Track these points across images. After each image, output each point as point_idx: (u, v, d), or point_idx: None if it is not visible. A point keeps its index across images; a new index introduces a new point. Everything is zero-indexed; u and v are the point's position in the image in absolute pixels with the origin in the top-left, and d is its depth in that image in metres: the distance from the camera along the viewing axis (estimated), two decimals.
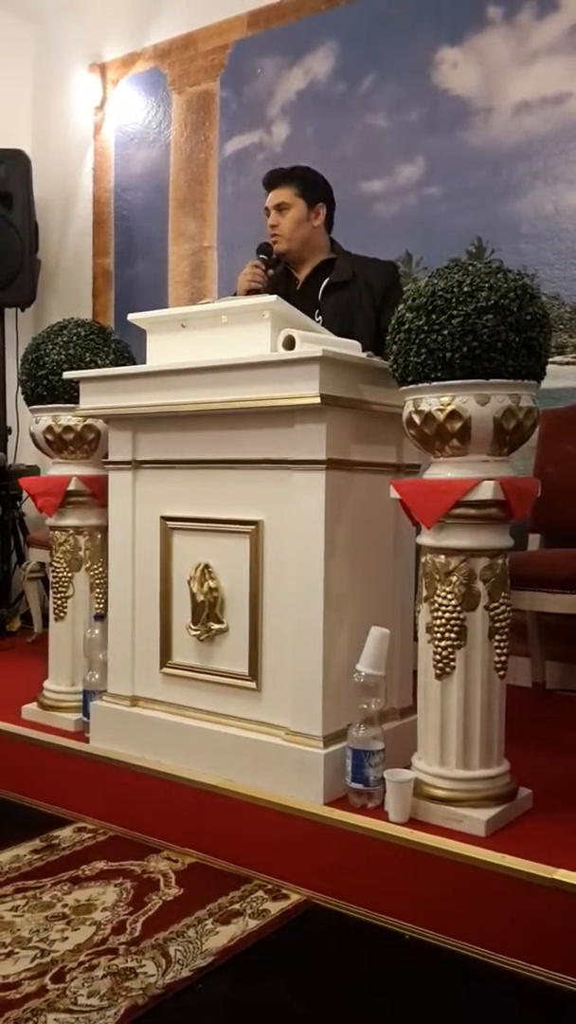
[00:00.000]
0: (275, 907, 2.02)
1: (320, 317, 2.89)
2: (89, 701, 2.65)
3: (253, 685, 2.31)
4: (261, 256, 2.96)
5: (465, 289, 1.93)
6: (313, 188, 2.98)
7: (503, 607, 2.06)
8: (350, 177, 3.87)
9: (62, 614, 2.87)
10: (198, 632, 2.40)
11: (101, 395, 2.56)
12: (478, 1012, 1.69)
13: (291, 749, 2.20)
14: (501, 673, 2.07)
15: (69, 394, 2.74)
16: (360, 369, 2.26)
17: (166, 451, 2.48)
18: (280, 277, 3.06)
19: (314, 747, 2.17)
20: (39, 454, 3.13)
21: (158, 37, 4.64)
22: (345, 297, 2.91)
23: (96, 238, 4.96)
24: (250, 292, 2.90)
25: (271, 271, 3.00)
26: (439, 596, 2.04)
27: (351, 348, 2.33)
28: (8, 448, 4.75)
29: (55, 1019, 1.62)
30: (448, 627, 2.03)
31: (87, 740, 2.62)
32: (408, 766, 2.13)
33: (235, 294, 3.03)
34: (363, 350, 2.37)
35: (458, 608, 2.02)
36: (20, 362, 2.94)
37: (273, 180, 3.00)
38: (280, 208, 2.96)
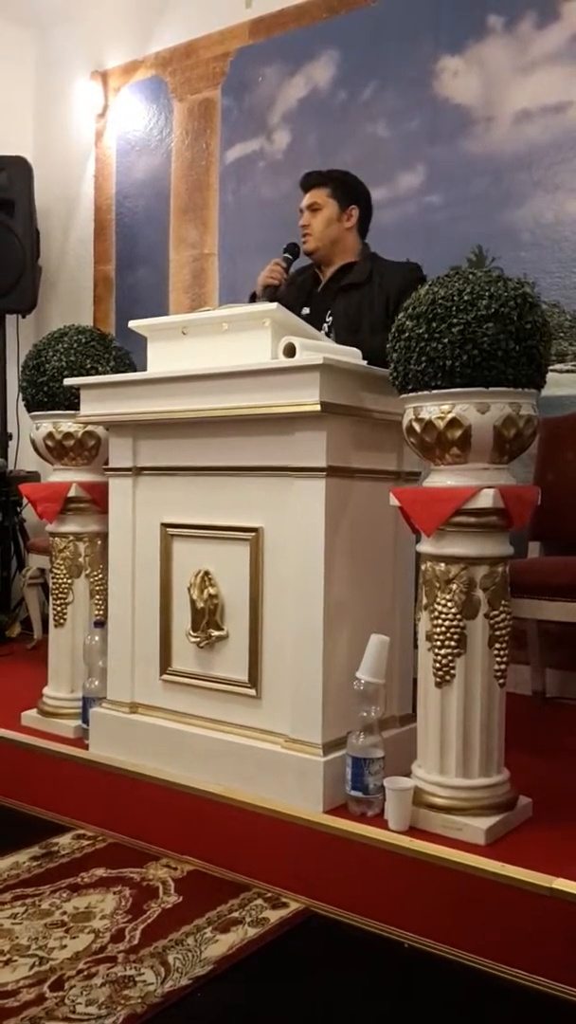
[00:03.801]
0: (274, 915, 2.01)
1: (331, 318, 2.90)
2: (89, 708, 2.64)
3: (253, 692, 2.31)
4: (285, 255, 3.00)
5: (465, 297, 1.93)
6: (347, 190, 3.00)
7: (503, 615, 2.06)
8: None
9: (62, 620, 2.87)
10: (198, 639, 2.39)
11: (101, 402, 2.56)
12: (477, 1021, 1.69)
13: (291, 757, 2.19)
14: (501, 681, 2.07)
15: (70, 401, 2.74)
16: (360, 377, 2.26)
17: (166, 458, 2.48)
18: (306, 279, 3.08)
19: (314, 755, 2.17)
20: (39, 460, 3.14)
21: (160, 45, 4.65)
22: (357, 299, 2.92)
23: (97, 245, 4.98)
24: (267, 287, 2.94)
25: (292, 270, 3.02)
26: (439, 604, 2.04)
27: (352, 356, 2.33)
28: (8, 454, 4.75)
29: None
30: (448, 635, 2.03)
31: (86, 747, 2.61)
32: (408, 774, 2.13)
33: (255, 292, 3.04)
34: (364, 355, 2.37)
35: (458, 616, 2.02)
36: (21, 368, 2.94)
37: (309, 182, 3.03)
38: (312, 208, 2.99)
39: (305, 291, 3.04)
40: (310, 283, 3.07)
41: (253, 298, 3.04)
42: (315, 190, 3.00)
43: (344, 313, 2.90)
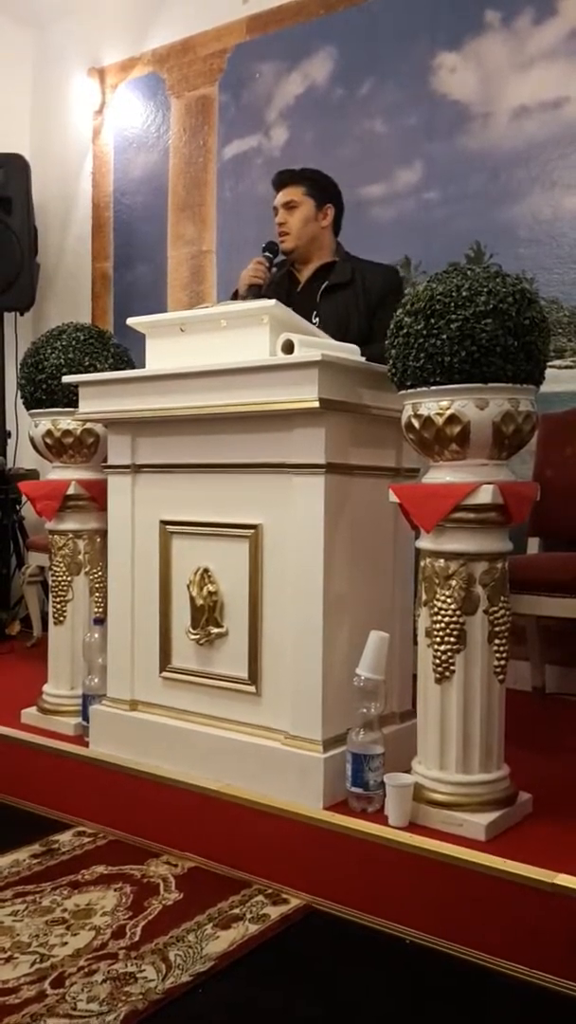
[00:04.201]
0: (275, 911, 2.02)
1: (317, 319, 2.89)
2: (89, 705, 2.65)
3: (253, 689, 2.31)
4: (266, 254, 2.98)
5: (464, 293, 1.93)
6: (322, 189, 2.99)
7: (502, 611, 2.06)
8: (349, 181, 3.83)
9: (61, 618, 2.87)
10: (197, 636, 2.40)
11: (100, 399, 2.56)
12: (478, 1017, 1.69)
13: (291, 753, 2.19)
14: (501, 677, 2.07)
15: (68, 398, 2.74)
16: (359, 373, 2.26)
17: (165, 455, 2.48)
18: (283, 278, 3.06)
19: (314, 751, 2.17)
20: (38, 458, 3.14)
21: (157, 42, 4.65)
22: (343, 299, 2.91)
23: (95, 242, 4.97)
24: (251, 287, 2.92)
25: (274, 269, 3.01)
26: (438, 600, 2.04)
27: (350, 352, 2.33)
28: (8, 452, 4.75)
29: None
30: (448, 631, 2.03)
31: (87, 744, 2.61)
32: (408, 770, 2.13)
33: (236, 291, 3.03)
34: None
35: (457, 612, 2.03)
36: (19, 366, 2.94)
37: (283, 179, 3.02)
38: (289, 207, 2.96)
39: (283, 290, 3.01)
40: (287, 282, 3.04)
41: (235, 298, 3.02)
42: (289, 188, 2.97)
43: (334, 314, 2.88)
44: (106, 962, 1.81)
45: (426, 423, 2.01)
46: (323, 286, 2.94)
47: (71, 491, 2.81)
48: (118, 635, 2.59)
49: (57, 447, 2.84)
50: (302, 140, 4.15)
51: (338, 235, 3.06)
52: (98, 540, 2.85)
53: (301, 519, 2.20)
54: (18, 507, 4.58)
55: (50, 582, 2.92)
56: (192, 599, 2.40)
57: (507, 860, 1.85)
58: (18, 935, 1.92)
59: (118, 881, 2.16)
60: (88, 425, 2.78)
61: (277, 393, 2.17)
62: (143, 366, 2.55)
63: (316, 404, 2.10)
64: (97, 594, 2.86)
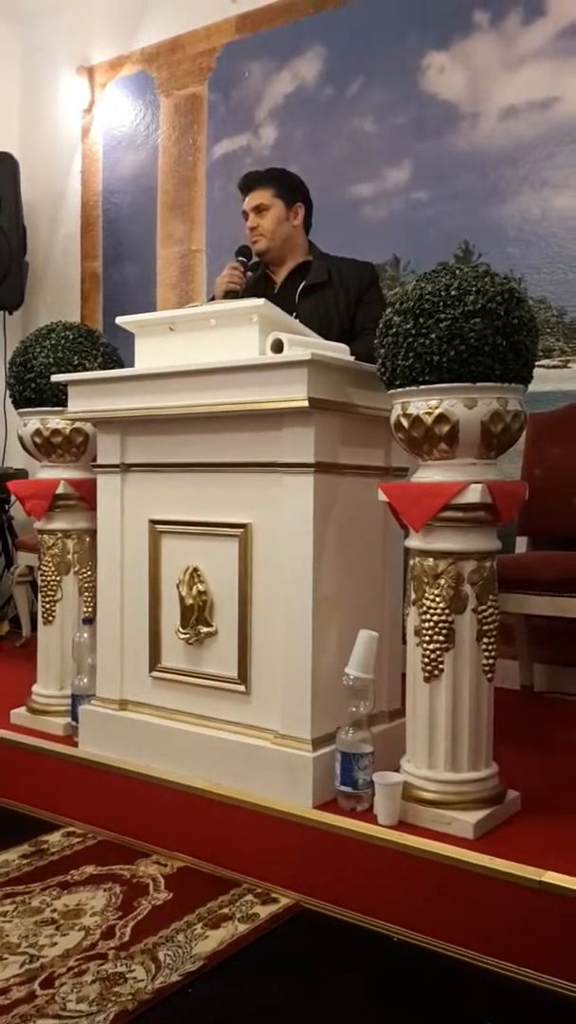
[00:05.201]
0: (264, 911, 2.02)
1: (297, 320, 2.89)
2: (78, 705, 2.64)
3: (242, 688, 2.31)
4: (240, 258, 2.96)
5: (452, 293, 1.93)
6: (290, 188, 2.98)
7: (491, 610, 2.07)
8: (338, 181, 3.89)
9: (50, 618, 2.86)
10: (187, 636, 2.39)
11: (89, 398, 2.56)
12: (467, 1015, 1.70)
13: (280, 752, 2.20)
14: (489, 675, 2.08)
15: (57, 397, 2.74)
16: (348, 372, 2.26)
17: (155, 454, 2.48)
18: (258, 281, 3.04)
19: (303, 750, 2.17)
20: (27, 457, 3.13)
21: (146, 40, 4.64)
22: (322, 299, 2.90)
23: (84, 241, 4.96)
24: (228, 293, 2.90)
25: (249, 273, 2.99)
26: (427, 599, 2.05)
27: (339, 351, 2.33)
28: None
29: None
30: (436, 630, 2.04)
31: (76, 744, 2.61)
32: (397, 769, 2.13)
33: (213, 297, 3.02)
34: None
35: (446, 611, 2.03)
36: (8, 365, 2.93)
37: (249, 183, 3.00)
38: (259, 210, 2.95)
39: (260, 293, 2.99)
40: (263, 284, 3.03)
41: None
42: (257, 191, 2.96)
43: (314, 314, 2.87)
44: (96, 962, 1.81)
45: (415, 422, 2.01)
46: (301, 287, 2.94)
47: (60, 490, 2.80)
48: (107, 635, 2.58)
49: (46, 446, 2.83)
50: (291, 139, 4.15)
51: (309, 232, 3.05)
52: (87, 539, 2.84)
53: (290, 518, 2.20)
54: (7, 506, 4.57)
55: (39, 582, 2.91)
56: (181, 598, 2.40)
57: (495, 858, 1.86)
58: (7, 936, 1.92)
59: (108, 881, 2.16)
60: (77, 424, 2.77)
61: (266, 392, 2.17)
62: (132, 365, 2.55)
63: (305, 403, 2.10)
64: (86, 594, 2.85)
